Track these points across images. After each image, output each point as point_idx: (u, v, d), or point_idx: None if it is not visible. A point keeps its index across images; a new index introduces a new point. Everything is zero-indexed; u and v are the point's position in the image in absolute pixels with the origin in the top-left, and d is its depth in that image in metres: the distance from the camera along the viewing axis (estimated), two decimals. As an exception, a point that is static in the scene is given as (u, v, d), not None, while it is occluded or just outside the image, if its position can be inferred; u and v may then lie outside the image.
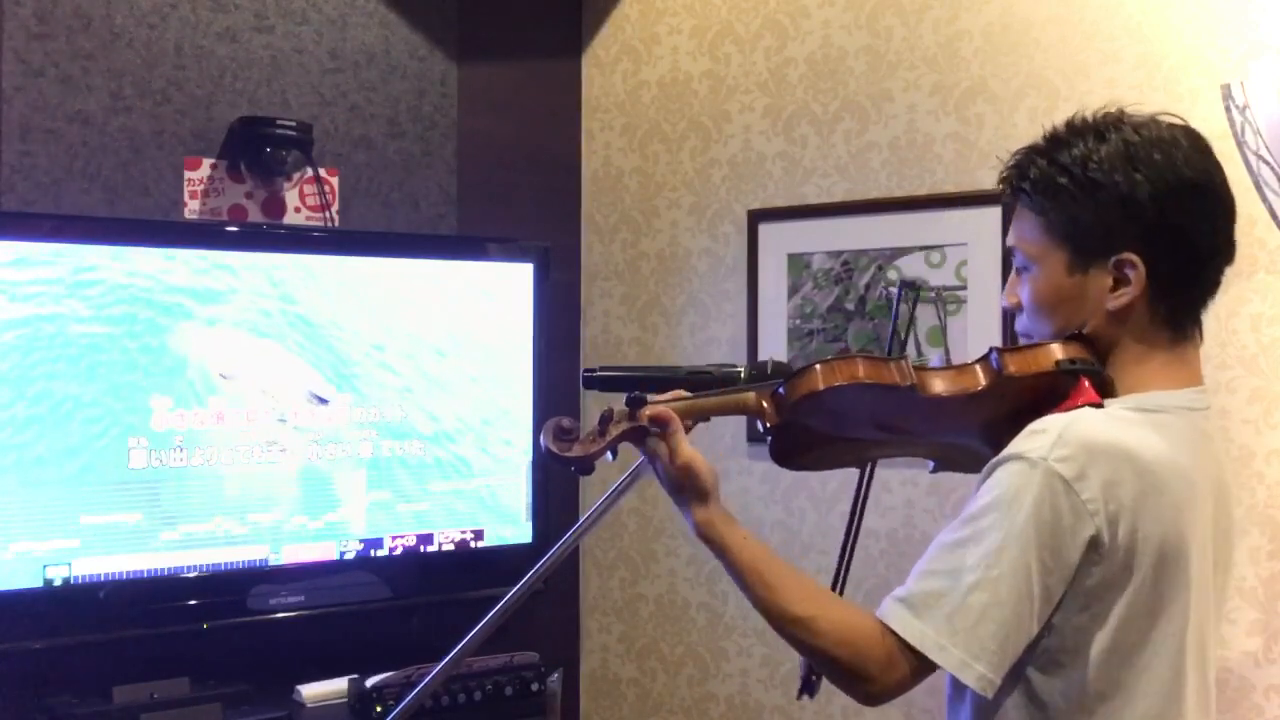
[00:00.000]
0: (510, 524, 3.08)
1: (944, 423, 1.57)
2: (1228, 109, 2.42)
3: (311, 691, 2.77)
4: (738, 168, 3.19)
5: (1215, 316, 2.39)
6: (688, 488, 1.55)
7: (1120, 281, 1.46)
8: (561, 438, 1.58)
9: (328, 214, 3.01)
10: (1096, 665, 1.41)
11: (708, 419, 1.64)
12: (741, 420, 2.93)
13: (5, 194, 2.61)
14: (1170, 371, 1.49)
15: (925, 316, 2.86)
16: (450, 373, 3.00)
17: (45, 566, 2.51)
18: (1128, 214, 1.44)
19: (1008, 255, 1.61)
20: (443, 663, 1.70)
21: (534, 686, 2.91)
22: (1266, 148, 2.38)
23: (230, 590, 2.72)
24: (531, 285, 3.11)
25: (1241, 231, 1.52)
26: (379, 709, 2.69)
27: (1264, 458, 2.47)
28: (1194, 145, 1.48)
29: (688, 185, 3.29)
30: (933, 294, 2.85)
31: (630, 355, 3.39)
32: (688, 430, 1.57)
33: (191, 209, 2.84)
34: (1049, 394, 1.46)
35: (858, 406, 1.57)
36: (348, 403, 2.87)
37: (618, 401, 1.59)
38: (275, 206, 2.96)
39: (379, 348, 2.91)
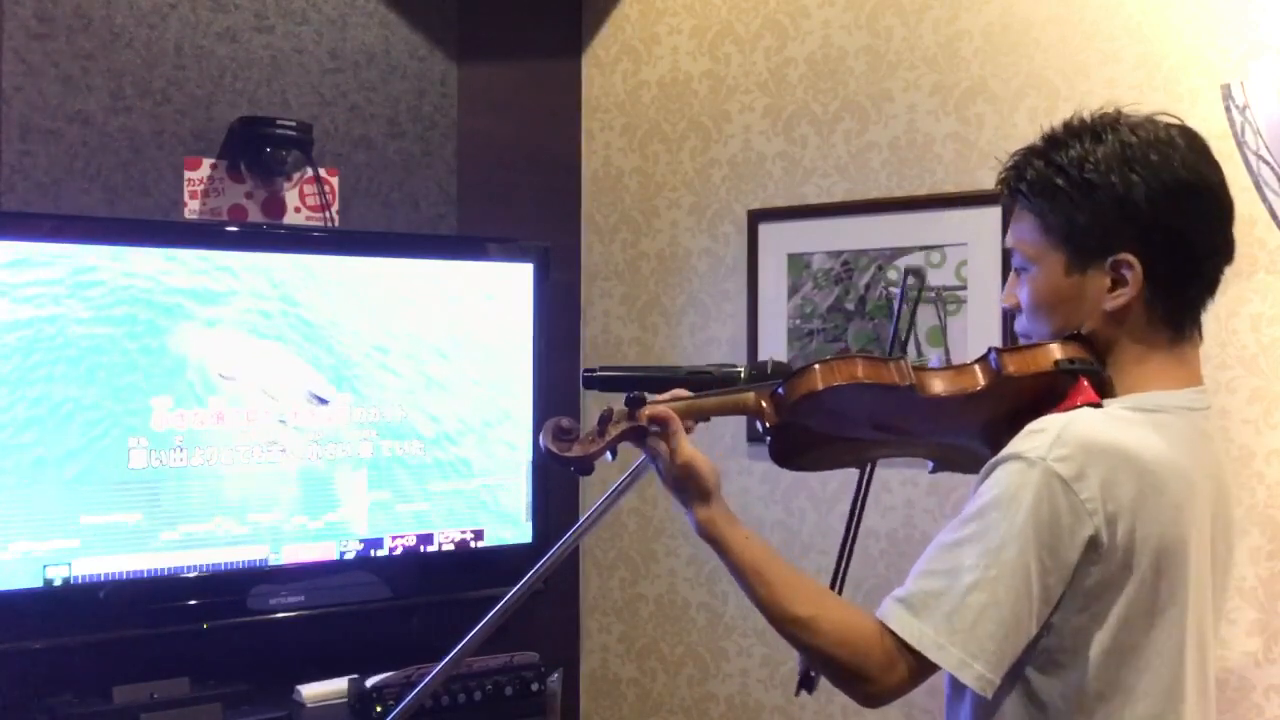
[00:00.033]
0: (510, 524, 3.08)
1: (943, 423, 1.57)
2: (1228, 109, 2.42)
3: (311, 691, 2.77)
4: (738, 168, 3.19)
5: (1215, 316, 2.40)
6: (689, 487, 1.56)
7: (1117, 282, 1.46)
8: (561, 438, 1.58)
9: (328, 214, 3.01)
10: (1096, 665, 1.41)
11: (707, 419, 1.64)
12: (741, 420, 2.93)
13: (5, 194, 2.61)
14: (1169, 371, 1.49)
15: (925, 316, 2.87)
16: (450, 373, 3.00)
17: (45, 566, 2.51)
18: (1124, 215, 1.44)
19: (1007, 255, 1.61)
20: (443, 663, 1.70)
21: (534, 686, 2.91)
22: (1266, 148, 2.37)
23: (230, 590, 2.72)
24: (531, 285, 3.11)
25: (1241, 231, 1.52)
26: (379, 709, 2.69)
27: (1264, 458, 2.47)
28: (1191, 146, 1.47)
29: (688, 185, 3.29)
30: (933, 294, 2.85)
31: (630, 355, 3.39)
32: (688, 430, 1.58)
33: (191, 209, 2.84)
34: (1048, 394, 1.47)
35: (857, 406, 1.57)
36: (348, 403, 2.87)
37: (617, 401, 1.59)
38: (275, 206, 2.96)
39: (379, 348, 2.91)
